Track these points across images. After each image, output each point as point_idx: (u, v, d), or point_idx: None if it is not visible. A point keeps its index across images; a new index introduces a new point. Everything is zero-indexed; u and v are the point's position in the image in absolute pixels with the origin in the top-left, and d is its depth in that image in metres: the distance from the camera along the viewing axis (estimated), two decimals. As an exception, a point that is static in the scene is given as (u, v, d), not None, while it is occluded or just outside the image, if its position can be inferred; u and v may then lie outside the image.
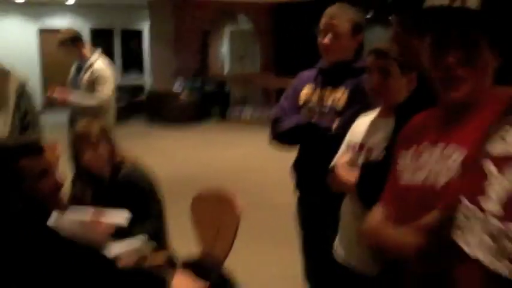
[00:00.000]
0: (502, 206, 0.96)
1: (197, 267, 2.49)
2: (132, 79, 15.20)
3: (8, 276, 1.44)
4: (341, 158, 2.15)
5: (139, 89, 14.19)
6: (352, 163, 2.07)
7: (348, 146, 2.17)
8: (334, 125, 2.45)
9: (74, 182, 2.74)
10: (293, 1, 12.19)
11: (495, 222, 0.95)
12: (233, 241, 2.76)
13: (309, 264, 2.77)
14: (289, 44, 12.70)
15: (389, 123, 1.94)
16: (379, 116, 2.10)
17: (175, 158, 8.41)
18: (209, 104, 12.42)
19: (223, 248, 2.78)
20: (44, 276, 1.46)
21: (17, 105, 3.11)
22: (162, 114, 11.92)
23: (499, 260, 0.93)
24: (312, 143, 2.54)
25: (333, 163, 2.17)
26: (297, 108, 2.61)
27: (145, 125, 12.06)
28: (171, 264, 2.27)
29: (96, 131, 2.59)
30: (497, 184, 0.98)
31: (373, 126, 2.09)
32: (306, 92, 2.62)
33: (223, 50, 14.41)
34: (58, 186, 1.70)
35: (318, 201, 2.60)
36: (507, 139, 1.03)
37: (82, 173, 2.67)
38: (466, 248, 0.98)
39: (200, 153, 8.60)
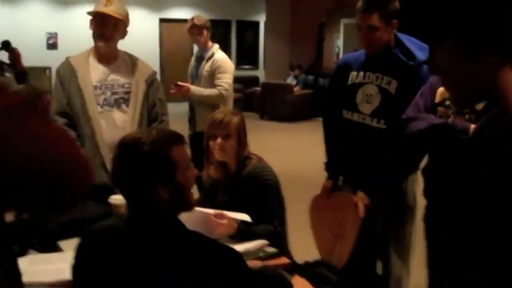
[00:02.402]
0: None
1: (314, 273, 2.36)
2: (247, 70, 15.38)
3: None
4: None
5: (253, 80, 14.29)
6: None
7: None
8: (472, 128, 2.23)
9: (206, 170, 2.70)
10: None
11: None
12: (353, 247, 2.59)
13: (437, 280, 2.54)
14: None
15: None
16: None
17: (286, 154, 8.33)
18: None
19: (341, 254, 2.63)
20: (174, 268, 1.46)
21: (146, 96, 3.09)
22: (274, 107, 11.90)
23: None
24: (446, 147, 2.32)
25: None
26: (433, 106, 2.41)
27: (257, 118, 12.10)
28: (290, 269, 2.15)
29: (236, 123, 2.55)
30: None
31: None
32: (442, 89, 2.42)
33: (338, 43, 14.14)
34: (196, 176, 1.71)
35: (449, 211, 2.38)
36: None
37: (214, 162, 2.63)
38: None
39: (313, 150, 8.46)
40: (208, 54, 4.50)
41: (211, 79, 4.42)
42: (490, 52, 1.03)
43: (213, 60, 4.46)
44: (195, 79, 4.56)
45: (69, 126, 2.94)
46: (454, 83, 1.07)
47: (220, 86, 4.36)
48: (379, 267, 2.88)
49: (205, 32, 4.51)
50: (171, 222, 1.56)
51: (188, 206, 1.64)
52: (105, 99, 3.01)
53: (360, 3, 2.65)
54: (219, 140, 2.53)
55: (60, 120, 2.95)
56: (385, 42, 2.64)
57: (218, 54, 4.52)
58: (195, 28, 4.51)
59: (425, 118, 2.40)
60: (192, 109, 4.59)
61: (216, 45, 4.58)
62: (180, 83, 4.43)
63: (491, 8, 1.03)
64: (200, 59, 4.58)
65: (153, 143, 1.53)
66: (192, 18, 4.59)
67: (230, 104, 4.49)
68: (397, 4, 2.66)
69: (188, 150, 1.66)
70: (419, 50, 2.66)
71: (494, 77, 0.99)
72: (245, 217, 2.41)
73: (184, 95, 4.42)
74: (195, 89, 4.40)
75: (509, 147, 2.00)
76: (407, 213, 2.72)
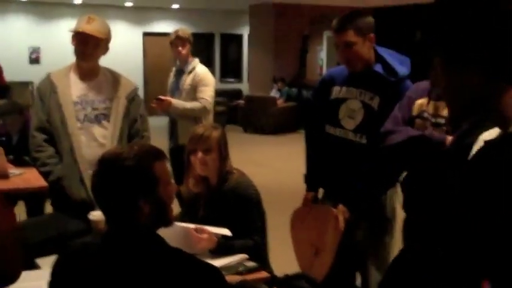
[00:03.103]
0: None
1: (294, 286, 2.37)
2: (230, 83, 15.41)
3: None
4: None
5: (237, 93, 14.32)
6: None
7: None
8: (449, 139, 2.26)
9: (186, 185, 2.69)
10: (394, 5, 11.80)
11: None
12: (332, 261, 2.60)
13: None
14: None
15: None
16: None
17: (270, 167, 8.33)
18: (306, 111, 12.24)
19: (321, 267, 2.63)
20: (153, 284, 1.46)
21: (127, 112, 3.09)
22: (257, 120, 11.92)
23: None
24: (424, 159, 2.35)
25: None
26: (411, 119, 2.44)
27: (241, 131, 12.10)
28: (270, 282, 2.15)
29: (216, 137, 2.55)
30: None
31: None
32: (420, 102, 2.46)
33: (321, 55, 14.23)
34: (175, 191, 1.72)
35: (422, 224, 2.40)
36: None
37: (195, 176, 2.62)
38: None
39: (296, 163, 8.50)
40: (190, 67, 4.51)
41: (193, 92, 4.42)
42: (475, 68, 1.06)
43: (195, 74, 4.46)
44: (176, 93, 4.56)
45: (48, 142, 2.97)
46: (446, 95, 1.12)
47: (204, 99, 4.37)
48: (358, 280, 2.90)
49: (188, 45, 4.53)
50: (150, 238, 1.56)
51: (167, 222, 1.64)
52: (85, 115, 3.01)
53: (334, 23, 2.67)
54: (200, 155, 2.53)
55: (40, 136, 2.97)
56: (364, 58, 2.64)
57: (199, 67, 4.53)
58: (178, 40, 4.51)
59: (403, 131, 2.42)
60: (172, 123, 4.58)
61: (197, 59, 4.59)
62: (161, 97, 4.42)
63: (481, 25, 1.06)
64: (180, 72, 4.58)
65: (136, 157, 1.54)
66: (177, 31, 4.60)
67: (210, 118, 4.50)
68: (371, 19, 2.69)
69: (169, 166, 1.67)
70: (400, 64, 2.68)
71: (489, 94, 1.04)
72: (225, 231, 2.41)
73: (165, 110, 4.41)
74: (177, 102, 4.39)
75: (486, 159, 2.03)
76: (386, 226, 2.74)
